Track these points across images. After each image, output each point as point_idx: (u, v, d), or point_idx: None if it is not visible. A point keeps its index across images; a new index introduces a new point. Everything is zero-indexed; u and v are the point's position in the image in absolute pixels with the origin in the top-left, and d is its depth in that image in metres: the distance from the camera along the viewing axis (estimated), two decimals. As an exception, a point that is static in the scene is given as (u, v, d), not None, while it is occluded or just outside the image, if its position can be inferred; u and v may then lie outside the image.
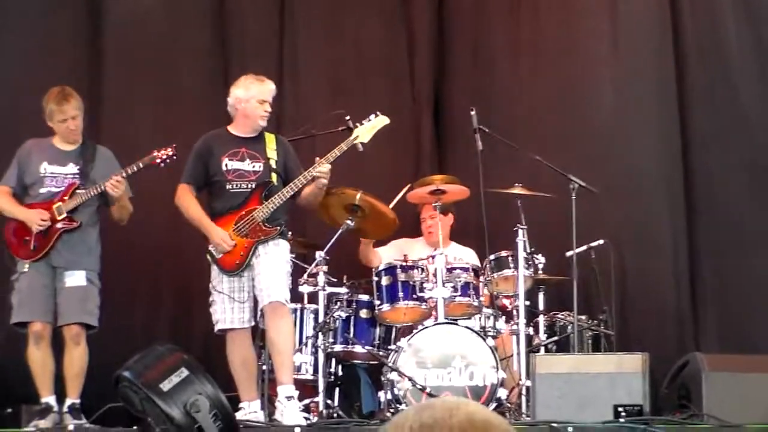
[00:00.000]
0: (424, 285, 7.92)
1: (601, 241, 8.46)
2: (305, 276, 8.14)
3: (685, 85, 9.83)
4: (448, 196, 8.21)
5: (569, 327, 8.30)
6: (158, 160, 7.75)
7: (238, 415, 6.91)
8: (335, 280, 8.22)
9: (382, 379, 7.68)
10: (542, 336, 8.35)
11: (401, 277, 7.95)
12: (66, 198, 7.63)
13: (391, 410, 7.47)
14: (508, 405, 7.70)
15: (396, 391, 7.49)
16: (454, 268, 8.02)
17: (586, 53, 10.02)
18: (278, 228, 7.43)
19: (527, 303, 8.10)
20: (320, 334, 7.98)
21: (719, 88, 9.79)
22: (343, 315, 8.10)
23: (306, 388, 8.00)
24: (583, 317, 8.42)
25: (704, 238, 9.68)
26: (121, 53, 9.76)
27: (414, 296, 7.93)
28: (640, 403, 6.98)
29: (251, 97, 7.56)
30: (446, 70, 10.22)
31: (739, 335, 9.29)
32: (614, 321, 8.45)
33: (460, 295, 7.96)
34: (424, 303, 7.94)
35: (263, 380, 7.61)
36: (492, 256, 8.22)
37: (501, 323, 8.18)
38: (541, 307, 8.52)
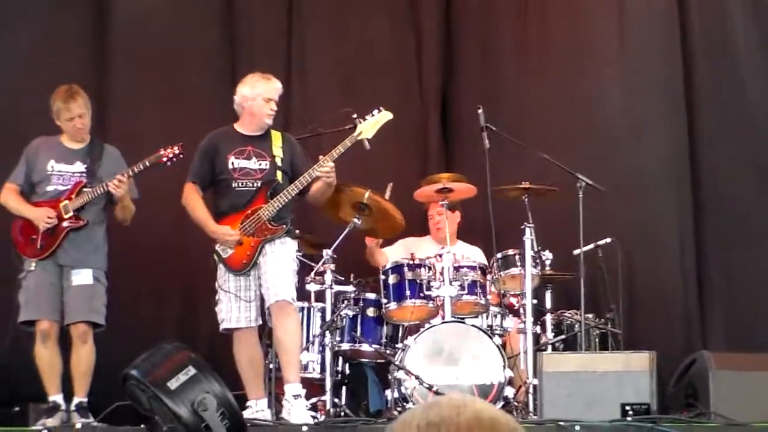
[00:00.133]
0: (431, 283, 7.92)
1: (609, 240, 8.45)
2: (312, 274, 8.14)
3: (692, 84, 9.82)
4: (455, 194, 8.22)
5: (576, 325, 8.29)
6: (165, 159, 7.76)
7: (246, 414, 6.90)
8: (342, 278, 8.23)
9: (389, 377, 7.69)
10: (549, 334, 8.34)
11: (408, 275, 7.95)
12: (73, 196, 7.64)
13: (398, 409, 7.47)
14: (515, 403, 7.70)
15: (403, 390, 7.49)
16: (461, 267, 8.02)
17: (593, 52, 10.01)
18: (284, 226, 7.43)
19: (534, 301, 8.10)
20: (327, 332, 7.98)
21: (726, 86, 9.78)
22: (350, 313, 8.10)
23: (313, 387, 7.99)
24: (590, 316, 8.42)
25: (712, 237, 9.67)
26: (128, 52, 9.77)
27: (421, 295, 7.93)
28: (647, 401, 6.98)
29: (257, 95, 7.56)
30: (453, 70, 10.22)
31: (747, 334, 9.28)
32: (621, 319, 8.44)
33: (467, 294, 7.96)
34: (431, 301, 7.94)
35: (270, 379, 7.61)
36: (499, 255, 8.22)
37: (508, 321, 8.18)
38: (548, 305, 8.52)
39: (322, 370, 7.99)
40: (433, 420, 2.10)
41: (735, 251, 9.60)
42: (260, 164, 7.49)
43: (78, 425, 7.34)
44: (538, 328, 8.23)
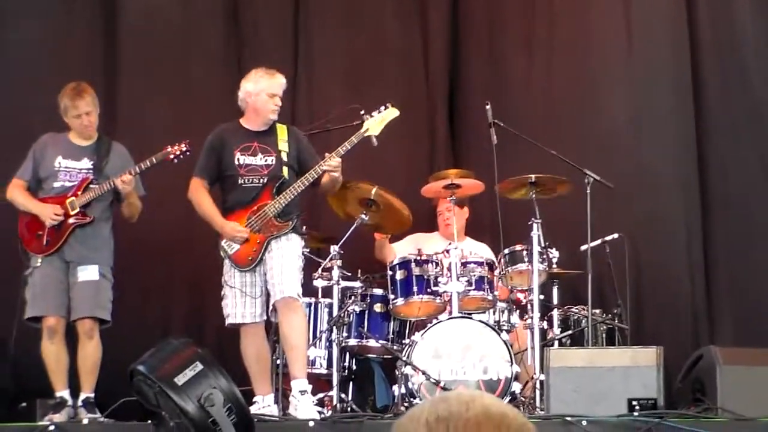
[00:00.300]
0: (439, 279, 7.93)
1: (616, 235, 8.44)
2: (320, 270, 8.13)
3: (700, 79, 9.79)
4: (462, 190, 8.21)
5: (583, 321, 8.28)
6: (172, 156, 7.77)
7: (252, 409, 6.91)
8: (349, 274, 8.22)
9: (396, 373, 7.68)
10: (556, 330, 8.32)
11: (415, 271, 7.95)
12: (79, 193, 7.65)
13: (405, 404, 7.47)
14: (522, 399, 7.69)
15: (410, 386, 7.49)
16: (469, 262, 8.01)
17: (601, 48, 9.99)
18: (290, 223, 7.43)
19: (541, 297, 8.08)
20: (334, 328, 7.98)
21: (734, 81, 9.76)
22: (358, 309, 8.10)
23: (320, 383, 8.00)
24: (598, 311, 8.41)
25: (719, 232, 9.66)
26: (136, 48, 9.79)
27: (428, 290, 7.93)
28: (654, 396, 6.96)
29: (261, 90, 7.56)
30: (461, 66, 10.20)
31: (754, 329, 9.26)
32: (628, 315, 8.44)
33: (474, 290, 7.95)
34: (439, 297, 7.94)
35: (277, 374, 7.62)
36: (506, 250, 8.21)
37: (515, 317, 8.18)
38: (555, 301, 8.50)
39: (329, 365, 7.99)
40: (442, 415, 2.10)
41: (742, 246, 9.59)
42: (266, 160, 7.49)
43: (85, 421, 7.36)
44: (545, 324, 8.21)
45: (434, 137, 10.00)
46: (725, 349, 7.50)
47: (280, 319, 7.34)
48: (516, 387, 7.55)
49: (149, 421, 6.33)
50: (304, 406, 7.12)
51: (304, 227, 7.78)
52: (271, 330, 7.62)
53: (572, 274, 8.51)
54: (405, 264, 8.02)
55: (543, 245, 8.09)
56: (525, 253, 8.15)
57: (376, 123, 7.70)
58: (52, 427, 6.97)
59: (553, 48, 10.02)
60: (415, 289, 7.93)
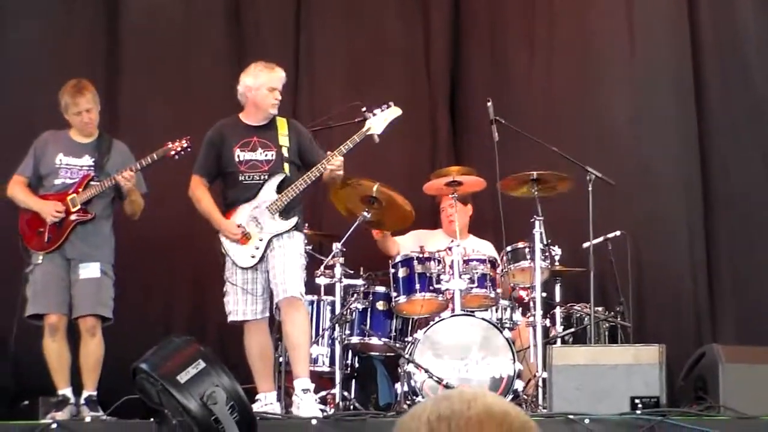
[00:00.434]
0: (441, 277, 7.92)
1: (618, 233, 8.43)
2: (322, 268, 8.12)
3: (702, 78, 9.79)
4: (464, 187, 8.21)
5: (586, 319, 8.27)
6: (173, 152, 7.78)
7: (255, 407, 6.91)
8: (352, 271, 8.22)
9: (399, 371, 7.68)
10: (559, 328, 8.33)
11: (418, 268, 7.94)
12: (80, 190, 7.65)
13: (408, 402, 7.47)
14: (525, 397, 7.69)
15: (413, 383, 7.49)
16: (471, 260, 8.01)
17: (602, 47, 9.99)
18: (292, 220, 7.42)
19: (544, 295, 8.08)
20: (337, 326, 7.98)
21: (736, 79, 9.75)
22: (360, 307, 8.10)
23: (322, 380, 8.00)
24: (600, 309, 8.40)
25: (721, 230, 9.66)
26: (138, 47, 9.80)
27: (431, 288, 7.92)
28: (656, 394, 6.96)
29: (261, 85, 7.53)
30: (462, 63, 10.20)
31: (757, 327, 9.26)
32: (631, 313, 8.42)
33: (476, 287, 7.95)
34: (441, 295, 7.93)
35: (280, 373, 7.61)
36: (509, 248, 8.22)
37: (518, 315, 8.17)
38: (557, 298, 8.50)
39: (332, 363, 8.00)
40: (444, 413, 2.09)
41: (744, 244, 9.59)
42: (266, 155, 7.46)
43: (87, 419, 7.36)
44: (547, 322, 8.21)
45: (436, 135, 10.00)
46: (727, 347, 7.50)
47: (283, 318, 7.34)
48: (518, 385, 7.55)
49: (152, 419, 6.34)
50: (307, 404, 7.12)
51: (306, 224, 7.77)
52: (274, 327, 7.62)
53: (575, 271, 8.50)
54: (407, 261, 8.02)
55: (545, 243, 8.09)
56: (527, 250, 8.16)
57: (378, 122, 7.69)
58: (54, 425, 6.95)
59: (554, 48, 10.02)
60: (417, 286, 7.92)
